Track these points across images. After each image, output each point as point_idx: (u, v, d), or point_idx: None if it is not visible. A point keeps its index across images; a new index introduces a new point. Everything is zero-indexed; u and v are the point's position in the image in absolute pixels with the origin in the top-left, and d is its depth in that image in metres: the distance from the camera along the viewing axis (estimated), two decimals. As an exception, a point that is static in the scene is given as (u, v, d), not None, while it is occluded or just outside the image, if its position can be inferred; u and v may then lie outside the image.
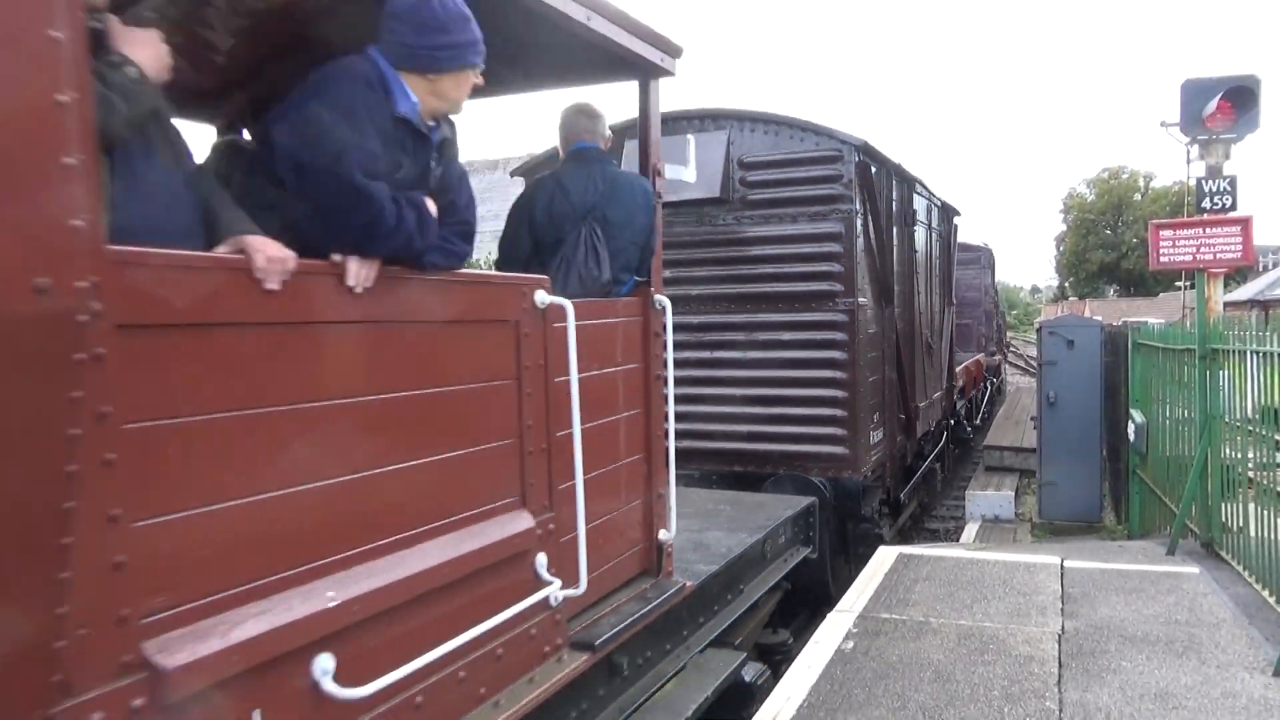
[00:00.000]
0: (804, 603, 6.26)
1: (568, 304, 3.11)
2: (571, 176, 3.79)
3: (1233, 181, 11.49)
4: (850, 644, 5.08)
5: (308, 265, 2.25)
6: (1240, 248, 10.63)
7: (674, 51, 3.96)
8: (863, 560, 6.95)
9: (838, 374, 7.20)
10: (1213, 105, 10.76)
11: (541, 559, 3.05)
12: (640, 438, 3.87)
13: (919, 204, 9.64)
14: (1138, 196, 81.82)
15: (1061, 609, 5.68)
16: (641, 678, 3.85)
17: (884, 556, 6.80)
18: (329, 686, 2.21)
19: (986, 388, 16.79)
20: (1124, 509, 10.00)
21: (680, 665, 4.06)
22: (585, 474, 3.18)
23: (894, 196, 8.44)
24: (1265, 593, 5.69)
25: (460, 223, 2.69)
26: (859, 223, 7.26)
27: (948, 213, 11.53)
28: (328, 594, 2.22)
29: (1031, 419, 13.56)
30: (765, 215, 7.32)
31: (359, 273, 2.37)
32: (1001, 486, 12.20)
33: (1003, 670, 4.72)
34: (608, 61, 3.66)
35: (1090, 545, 8.01)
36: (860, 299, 7.31)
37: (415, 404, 2.57)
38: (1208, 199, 11.35)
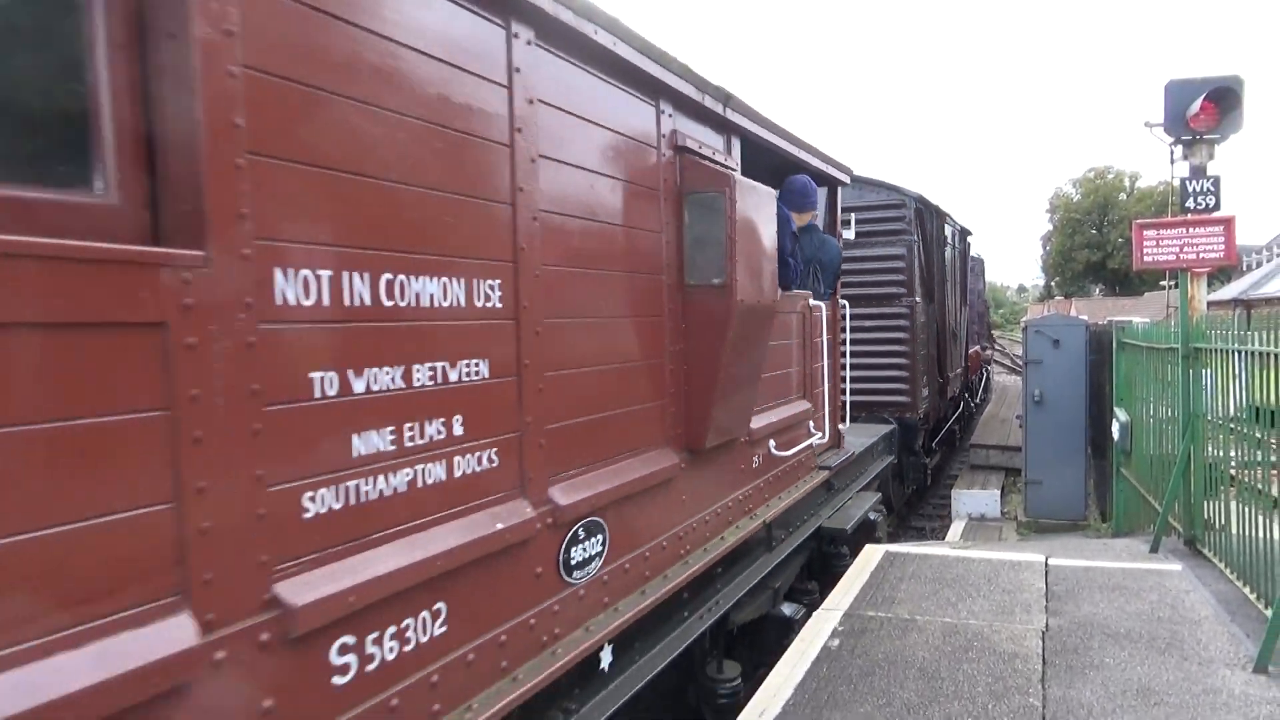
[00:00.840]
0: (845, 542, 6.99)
1: (822, 305, 6.39)
2: (804, 239, 6.55)
3: (1216, 182, 11.56)
4: (836, 641, 5.11)
5: None
6: (1223, 247, 10.69)
7: (848, 171, 7.28)
8: (911, 484, 10.67)
9: (903, 348, 10.67)
10: (1196, 106, 10.87)
11: (810, 423, 6.14)
12: (833, 375, 6.82)
13: (948, 230, 13.00)
14: (1123, 196, 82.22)
15: (1046, 606, 5.71)
16: (835, 498, 6.96)
17: (870, 555, 6.85)
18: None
19: (984, 373, 20.32)
20: (1109, 507, 10.06)
21: (851, 494, 7.28)
22: (822, 386, 6.43)
23: (933, 228, 11.79)
24: (1246, 589, 5.74)
25: (819, 271, 6.53)
26: (916, 248, 10.72)
27: (964, 234, 14.86)
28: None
29: (1017, 417, 13.65)
30: (857, 243, 10.63)
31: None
32: (987, 485, 12.29)
33: (987, 667, 4.74)
34: (816, 176, 6.84)
35: (1075, 543, 8.10)
36: (916, 299, 10.76)
37: (778, 354, 5.56)
38: (1191, 199, 11.42)
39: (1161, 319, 14.31)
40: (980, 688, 4.51)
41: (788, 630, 5.32)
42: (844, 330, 6.98)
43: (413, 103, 2.54)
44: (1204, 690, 4.49)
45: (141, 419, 1.90)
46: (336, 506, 2.32)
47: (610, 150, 3.58)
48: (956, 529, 11.03)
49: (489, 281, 2.84)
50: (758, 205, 4.25)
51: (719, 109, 4.50)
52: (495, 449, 2.87)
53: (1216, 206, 11.42)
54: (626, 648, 3.77)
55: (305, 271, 2.24)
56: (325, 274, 2.29)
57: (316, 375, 2.27)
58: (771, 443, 5.39)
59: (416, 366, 2.53)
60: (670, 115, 4.04)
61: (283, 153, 2.20)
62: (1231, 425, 6.06)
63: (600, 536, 3.41)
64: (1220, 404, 6.24)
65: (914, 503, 12.24)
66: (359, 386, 2.39)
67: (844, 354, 6.96)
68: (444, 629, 2.65)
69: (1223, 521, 6.30)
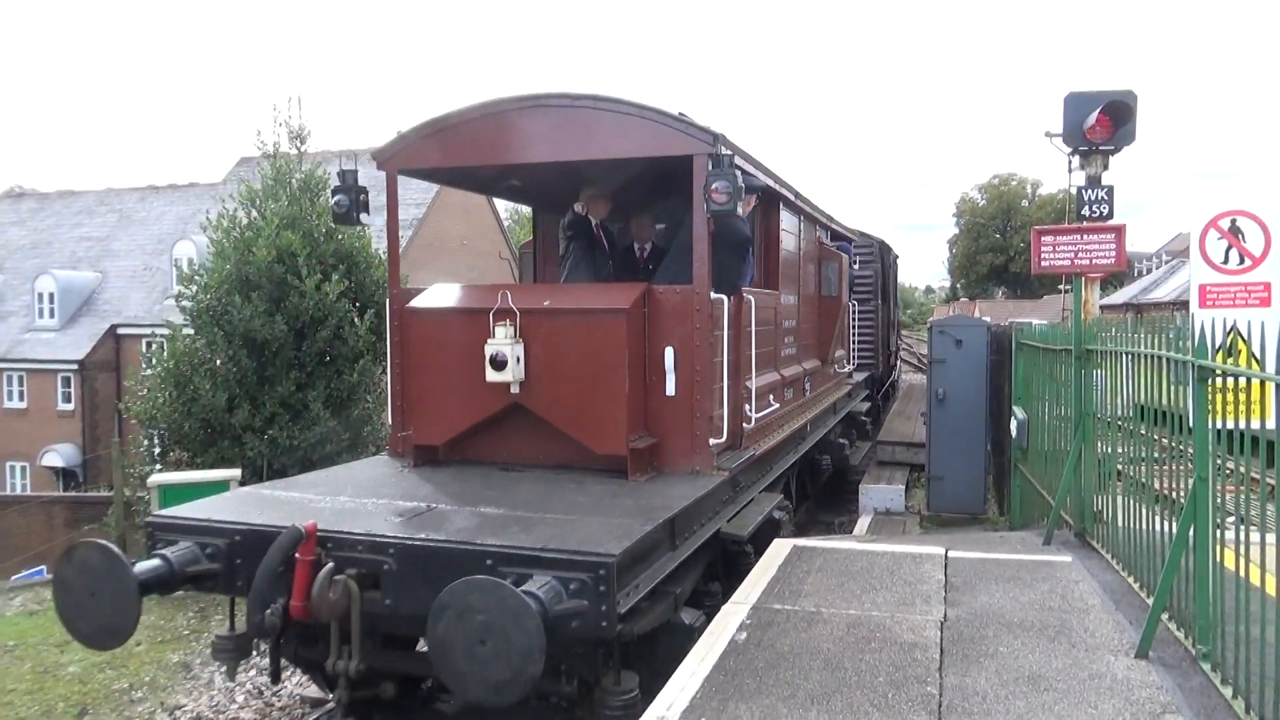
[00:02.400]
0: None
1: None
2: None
3: (1110, 191, 12.05)
4: (744, 635, 5.14)
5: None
6: (1114, 254, 11.19)
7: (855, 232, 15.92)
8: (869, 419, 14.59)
9: (875, 330, 16.73)
10: (1092, 118, 11.19)
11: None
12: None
13: (890, 256, 19.87)
14: (1025, 203, 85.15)
15: (945, 598, 5.84)
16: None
17: (779, 549, 6.89)
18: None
19: (895, 361, 26.26)
20: (1006, 501, 10.26)
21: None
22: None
23: (886, 257, 18.95)
24: (1130, 579, 5.93)
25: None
26: (879, 269, 17.17)
27: (893, 252, 21.17)
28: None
29: (921, 415, 14.06)
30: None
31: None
32: (893, 480, 12.49)
33: (888, 658, 4.84)
34: (844, 237, 13.29)
35: (974, 536, 8.31)
36: (879, 302, 17.20)
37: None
38: (1086, 207, 11.92)
39: (1058, 321, 14.95)
40: (881, 677, 4.60)
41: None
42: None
43: (808, 270, 9.66)
44: (1090, 676, 4.65)
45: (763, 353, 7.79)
46: (758, 415, 7.29)
47: (813, 253, 10.24)
48: (863, 523, 11.18)
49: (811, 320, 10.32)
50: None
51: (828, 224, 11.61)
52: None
53: (1110, 215, 11.91)
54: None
55: (788, 321, 8.71)
56: (789, 323, 8.80)
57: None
58: None
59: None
60: (819, 230, 10.62)
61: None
62: (1119, 424, 6.22)
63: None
64: (1110, 403, 6.38)
65: (831, 491, 12.52)
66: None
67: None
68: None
69: (1110, 515, 6.44)
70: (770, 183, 7.69)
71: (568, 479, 6.16)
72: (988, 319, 12.19)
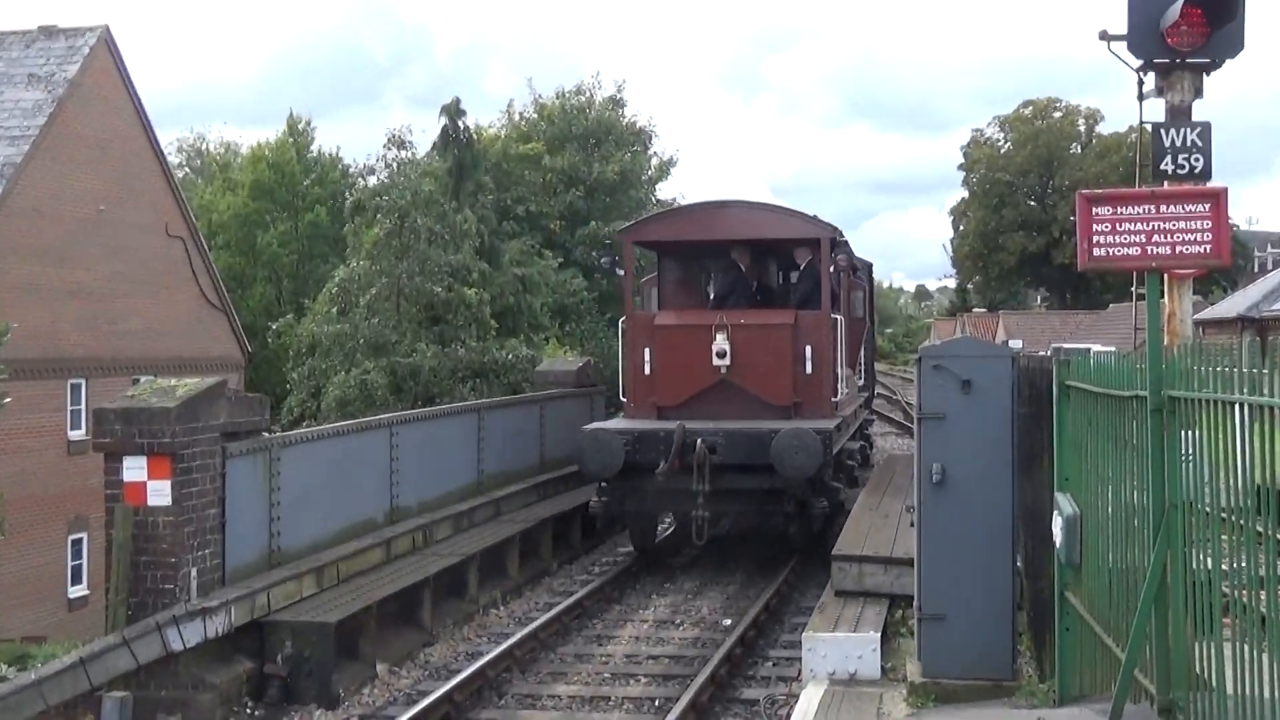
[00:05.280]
0: None
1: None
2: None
3: (1204, 132, 12.22)
4: None
5: None
6: (1212, 237, 11.12)
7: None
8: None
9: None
10: (1175, 11, 11.59)
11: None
12: None
13: (865, 266, 27.64)
14: (1076, 148, 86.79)
15: None
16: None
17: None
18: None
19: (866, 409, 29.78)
20: (1049, 655, 10.45)
21: None
22: None
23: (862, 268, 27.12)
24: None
25: None
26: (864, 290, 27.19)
27: (870, 267, 28.72)
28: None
29: (907, 508, 13.99)
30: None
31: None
32: (860, 623, 12.43)
33: None
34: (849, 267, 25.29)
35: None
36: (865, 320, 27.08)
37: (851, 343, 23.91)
38: (1167, 159, 12.16)
39: (1130, 350, 15.01)
40: None
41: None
42: None
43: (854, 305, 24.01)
44: None
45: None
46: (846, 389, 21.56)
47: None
48: (810, 702, 10.60)
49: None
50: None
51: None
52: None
53: (1205, 173, 12.08)
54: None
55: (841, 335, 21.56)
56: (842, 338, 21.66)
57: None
58: None
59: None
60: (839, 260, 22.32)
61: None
62: (1230, 520, 6.26)
63: None
64: (1214, 486, 6.43)
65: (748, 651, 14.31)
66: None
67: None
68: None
69: (1217, 676, 6.36)
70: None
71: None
72: (1016, 344, 12.25)
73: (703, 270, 21.63)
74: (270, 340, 39.90)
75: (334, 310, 33.23)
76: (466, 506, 17.78)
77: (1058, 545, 8.98)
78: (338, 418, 26.82)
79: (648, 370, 18.29)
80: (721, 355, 17.66)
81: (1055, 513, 9.07)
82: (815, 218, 19.42)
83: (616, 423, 18.46)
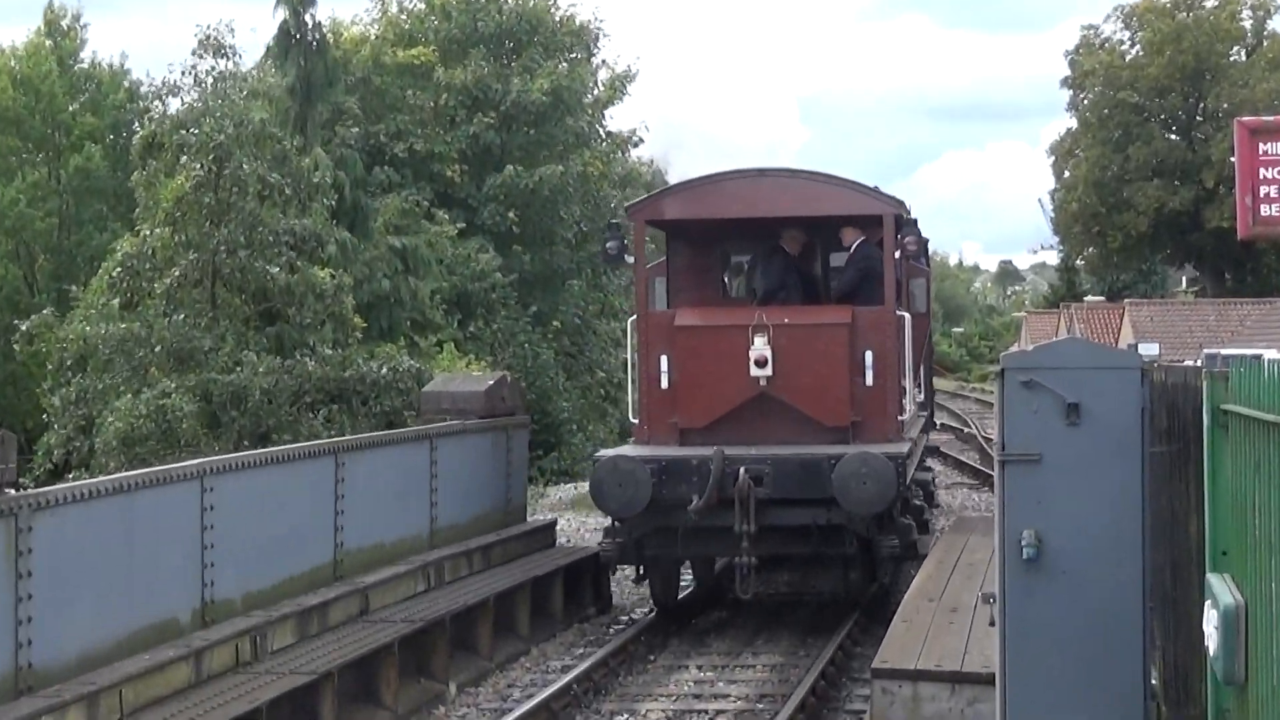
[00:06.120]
0: None
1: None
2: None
3: None
4: None
5: None
6: None
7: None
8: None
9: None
10: None
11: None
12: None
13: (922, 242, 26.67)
14: (1240, 53, 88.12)
15: None
16: None
17: None
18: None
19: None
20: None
21: None
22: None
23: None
24: None
25: None
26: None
27: (926, 244, 28.59)
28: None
29: (988, 599, 14.14)
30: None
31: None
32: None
33: None
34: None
35: None
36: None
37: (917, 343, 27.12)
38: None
39: None
40: None
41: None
42: None
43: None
44: None
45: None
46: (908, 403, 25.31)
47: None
48: None
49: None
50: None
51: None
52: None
53: None
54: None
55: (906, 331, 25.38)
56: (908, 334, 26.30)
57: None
58: None
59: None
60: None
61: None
62: None
63: None
64: None
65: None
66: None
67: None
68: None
69: None
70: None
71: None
72: (1151, 349, 12.48)
73: (722, 255, 23.20)
74: (18, 347, 35.68)
75: (115, 302, 28.77)
76: (318, 600, 16.13)
77: (1211, 653, 8.98)
78: (121, 464, 23.79)
79: (665, 383, 20.46)
80: (761, 363, 19.86)
81: (1208, 604, 9.03)
82: (876, 189, 20.89)
83: (634, 449, 20.18)
